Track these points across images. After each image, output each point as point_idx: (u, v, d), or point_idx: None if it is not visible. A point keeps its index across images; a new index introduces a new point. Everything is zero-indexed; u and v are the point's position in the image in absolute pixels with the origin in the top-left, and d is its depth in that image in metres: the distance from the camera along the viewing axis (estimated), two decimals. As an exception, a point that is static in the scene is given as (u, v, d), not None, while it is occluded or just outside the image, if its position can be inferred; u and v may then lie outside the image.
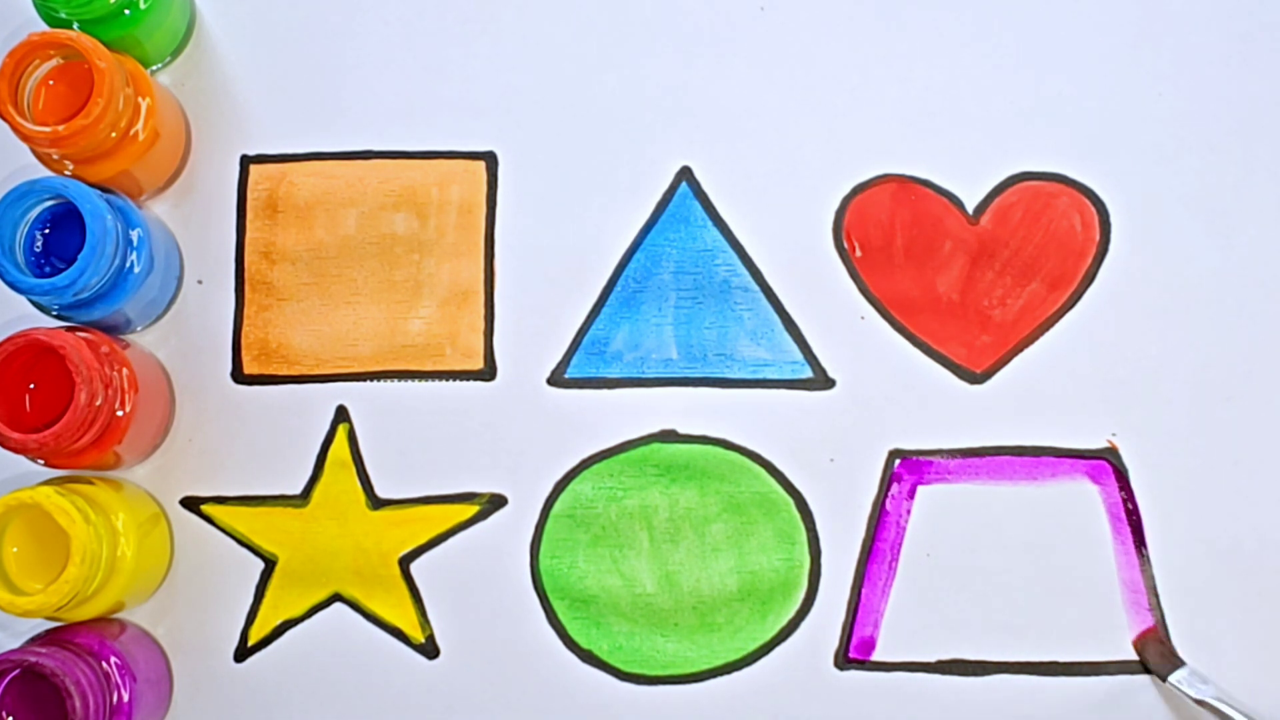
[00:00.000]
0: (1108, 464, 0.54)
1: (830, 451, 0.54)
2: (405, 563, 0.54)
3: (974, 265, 0.55)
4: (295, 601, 0.54)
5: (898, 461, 0.54)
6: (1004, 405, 0.54)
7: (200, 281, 0.56)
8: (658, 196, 0.56)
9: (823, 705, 0.53)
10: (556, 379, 0.55)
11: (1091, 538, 0.54)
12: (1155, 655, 0.52)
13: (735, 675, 0.54)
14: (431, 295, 0.56)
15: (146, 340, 0.56)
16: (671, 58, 0.57)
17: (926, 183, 0.55)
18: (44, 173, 0.51)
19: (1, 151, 0.54)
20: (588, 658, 0.54)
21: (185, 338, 0.56)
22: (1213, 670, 0.52)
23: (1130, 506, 0.54)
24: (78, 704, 0.47)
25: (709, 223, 0.56)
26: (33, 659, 0.47)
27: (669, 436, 0.55)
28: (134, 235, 0.51)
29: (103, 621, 0.53)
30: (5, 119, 0.49)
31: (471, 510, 0.54)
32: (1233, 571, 0.53)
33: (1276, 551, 0.53)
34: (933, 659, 0.53)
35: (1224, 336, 0.54)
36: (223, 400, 0.55)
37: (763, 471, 0.54)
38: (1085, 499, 0.54)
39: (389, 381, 0.55)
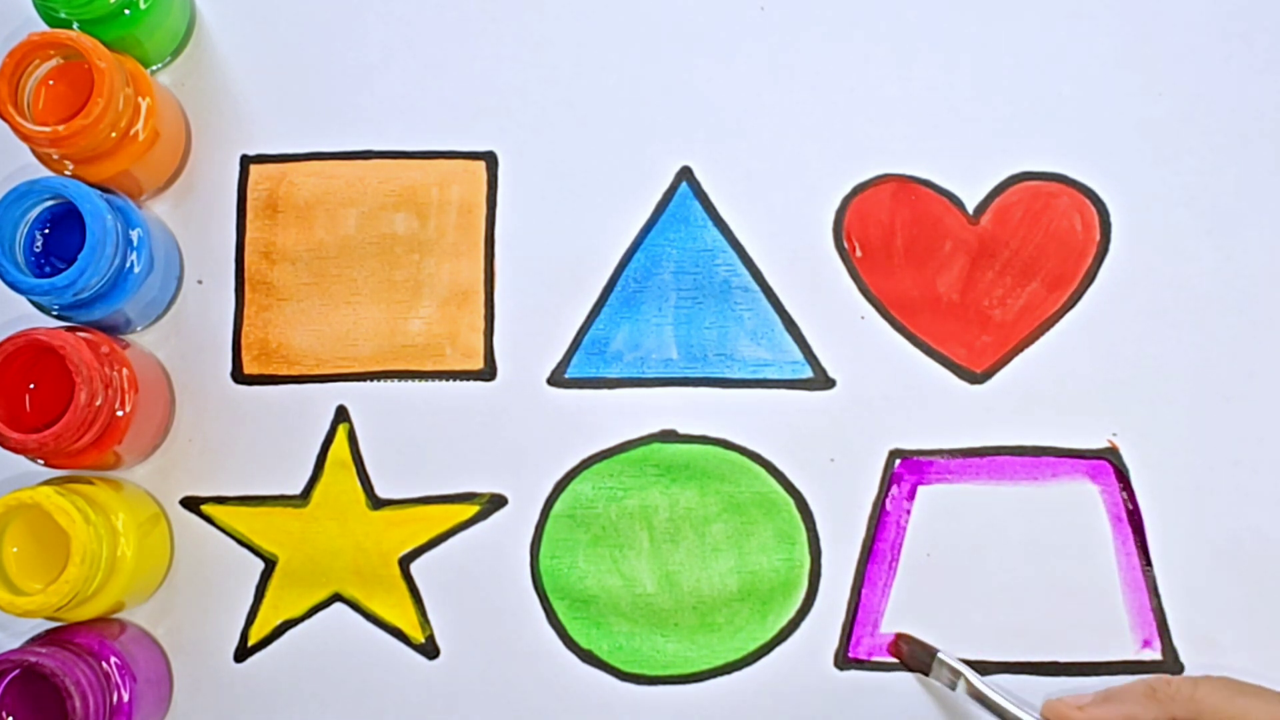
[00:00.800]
0: (1108, 464, 0.54)
1: (830, 451, 0.54)
2: (405, 563, 0.54)
3: (974, 265, 0.55)
4: (295, 601, 0.54)
5: (898, 461, 0.54)
6: (1004, 405, 0.54)
7: (200, 281, 0.56)
8: (658, 196, 0.56)
9: (823, 705, 0.53)
10: (556, 379, 0.55)
11: (1092, 538, 0.54)
12: (910, 653, 0.53)
13: (735, 675, 0.54)
14: (431, 295, 0.56)
15: (146, 340, 0.56)
16: (671, 58, 0.57)
17: (927, 183, 0.55)
18: (44, 173, 0.51)
19: (1, 151, 0.54)
20: (588, 658, 0.54)
21: (185, 338, 0.56)
22: (1213, 670, 0.52)
23: (1131, 506, 0.54)
24: (78, 704, 0.47)
25: (709, 223, 0.56)
26: (33, 659, 0.47)
27: (669, 436, 0.55)
28: (134, 235, 0.51)
29: (103, 621, 0.53)
30: (5, 119, 0.49)
31: (471, 510, 0.54)
32: (1233, 571, 0.53)
33: (1277, 551, 0.53)
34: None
35: (1224, 336, 0.54)
36: (223, 400, 0.55)
37: (763, 471, 0.54)
38: (1086, 499, 0.54)
39: (389, 381, 0.55)
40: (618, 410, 0.55)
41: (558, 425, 0.55)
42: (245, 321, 0.56)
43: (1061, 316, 0.55)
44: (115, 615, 0.54)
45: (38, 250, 0.51)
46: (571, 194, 0.56)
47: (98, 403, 0.48)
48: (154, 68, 0.56)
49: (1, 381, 0.49)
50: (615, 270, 0.56)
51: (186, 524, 0.55)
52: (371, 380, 0.55)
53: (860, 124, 0.56)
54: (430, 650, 0.54)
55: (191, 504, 0.55)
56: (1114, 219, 0.55)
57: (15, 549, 0.50)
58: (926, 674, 0.52)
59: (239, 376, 0.55)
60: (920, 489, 0.54)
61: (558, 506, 0.54)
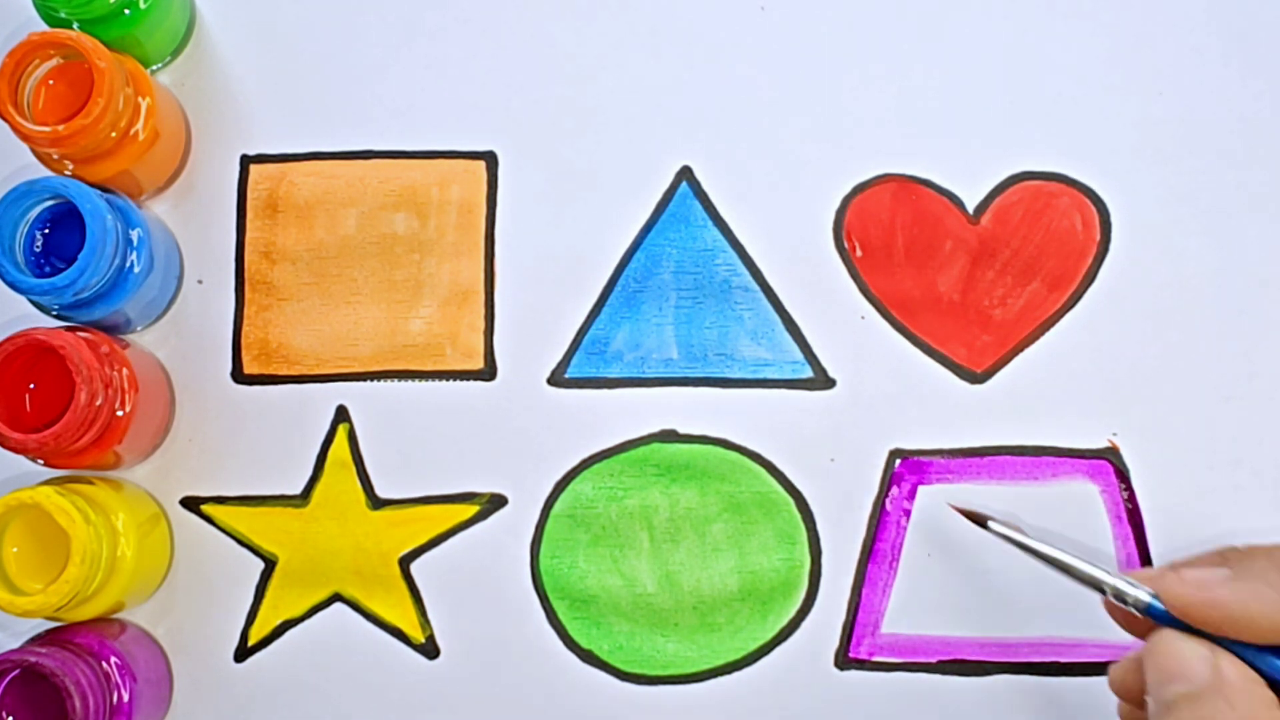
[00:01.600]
0: (1108, 464, 0.54)
1: (831, 451, 0.54)
2: (405, 563, 0.54)
3: (974, 265, 0.55)
4: (295, 601, 0.54)
5: (898, 461, 0.54)
6: (1005, 405, 0.54)
7: (200, 281, 0.56)
8: (658, 196, 0.56)
9: (823, 705, 0.53)
10: (557, 379, 0.55)
11: (1092, 538, 0.54)
12: (968, 514, 0.51)
13: (735, 675, 0.54)
14: (431, 295, 0.56)
15: (146, 340, 0.56)
16: (671, 58, 0.57)
17: (927, 182, 0.55)
18: (44, 173, 0.51)
19: (1, 151, 0.54)
20: (588, 658, 0.54)
21: (185, 338, 0.56)
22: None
23: (1131, 506, 0.54)
24: (78, 704, 0.47)
25: (709, 223, 0.56)
26: (33, 659, 0.47)
27: (669, 436, 0.55)
28: (134, 235, 0.51)
29: (103, 621, 0.53)
30: (5, 119, 0.49)
31: (471, 510, 0.54)
32: (1233, 571, 0.53)
33: (1277, 551, 0.53)
34: (933, 659, 0.53)
35: (1225, 336, 0.54)
36: (223, 400, 0.55)
37: (763, 471, 0.54)
38: (1086, 499, 0.54)
39: (389, 381, 0.55)
40: (618, 410, 0.55)
41: (558, 425, 0.55)
42: (245, 321, 0.56)
43: (1062, 316, 0.55)
44: (115, 615, 0.54)
45: (38, 250, 0.51)
46: (571, 194, 0.56)
47: (98, 403, 0.48)
48: (154, 68, 0.56)
49: (1, 381, 0.49)
50: (615, 270, 0.56)
51: (186, 524, 0.55)
52: (371, 380, 0.55)
53: (860, 124, 0.56)
54: (430, 650, 0.54)
55: (191, 504, 0.55)
56: (1114, 219, 0.55)
57: (15, 549, 0.50)
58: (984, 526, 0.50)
59: (239, 376, 0.55)
60: (920, 489, 0.54)
61: (558, 506, 0.54)
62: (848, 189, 0.56)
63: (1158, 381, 0.54)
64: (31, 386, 0.50)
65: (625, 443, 0.55)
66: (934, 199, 0.55)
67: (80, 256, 0.48)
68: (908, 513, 0.54)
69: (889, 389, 0.55)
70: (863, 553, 0.54)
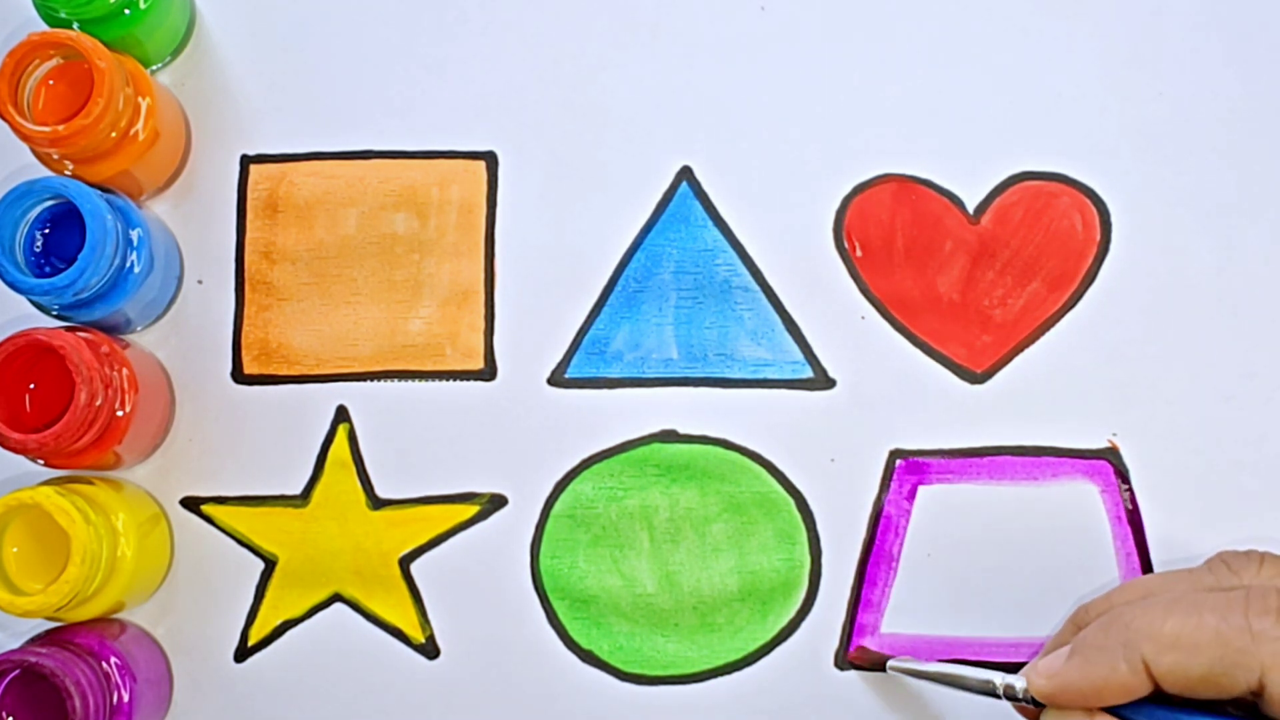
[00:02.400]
0: (1109, 464, 0.54)
1: (831, 451, 0.54)
2: (405, 563, 0.54)
3: (974, 265, 0.55)
4: (295, 601, 0.54)
5: (898, 462, 0.54)
6: (1005, 405, 0.54)
7: (200, 281, 0.56)
8: (658, 196, 0.56)
9: (823, 705, 0.53)
10: (557, 379, 0.55)
11: (1092, 538, 0.54)
12: (867, 662, 0.53)
13: (735, 675, 0.54)
14: (431, 295, 0.56)
15: (146, 340, 0.56)
16: (671, 58, 0.57)
17: (927, 182, 0.55)
18: (44, 173, 0.51)
19: (1, 151, 0.54)
20: (588, 658, 0.54)
21: (185, 338, 0.56)
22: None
23: (1131, 507, 0.54)
24: (78, 704, 0.47)
25: (709, 222, 0.56)
26: (33, 659, 0.47)
27: (669, 436, 0.55)
28: (134, 235, 0.51)
29: (103, 621, 0.53)
30: (5, 119, 0.49)
31: (471, 510, 0.54)
32: (1233, 571, 0.53)
33: (1278, 552, 0.53)
34: (933, 659, 0.53)
35: (1225, 336, 0.54)
36: (223, 400, 0.55)
37: (763, 471, 0.54)
38: (1086, 499, 0.54)
39: (389, 381, 0.55)
40: (618, 410, 0.55)
41: (558, 425, 0.55)
42: (245, 321, 0.56)
43: (1062, 316, 0.55)
44: (115, 615, 0.54)
45: (38, 250, 0.51)
46: (571, 194, 0.56)
47: (98, 403, 0.48)
48: (154, 68, 0.56)
49: (1, 381, 0.49)
50: (615, 270, 0.56)
51: (186, 524, 0.55)
52: (371, 380, 0.55)
53: (860, 124, 0.56)
54: (430, 650, 0.54)
55: (191, 504, 0.55)
56: (1115, 219, 0.55)
57: (15, 549, 0.50)
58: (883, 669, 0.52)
59: (239, 376, 0.55)
60: (920, 489, 0.54)
61: (558, 506, 0.54)
62: (848, 189, 0.56)
63: (1158, 381, 0.54)
64: (31, 386, 0.50)
65: (625, 443, 0.55)
66: (934, 199, 0.55)
67: (80, 256, 0.48)
68: (908, 513, 0.54)
69: (889, 389, 0.55)
70: (863, 553, 0.54)
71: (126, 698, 0.50)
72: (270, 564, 0.54)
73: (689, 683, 0.54)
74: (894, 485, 0.54)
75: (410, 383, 0.55)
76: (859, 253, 0.55)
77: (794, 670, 0.54)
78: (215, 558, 0.55)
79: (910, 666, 0.50)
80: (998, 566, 0.53)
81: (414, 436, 0.55)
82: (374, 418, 0.55)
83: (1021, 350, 0.55)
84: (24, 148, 0.51)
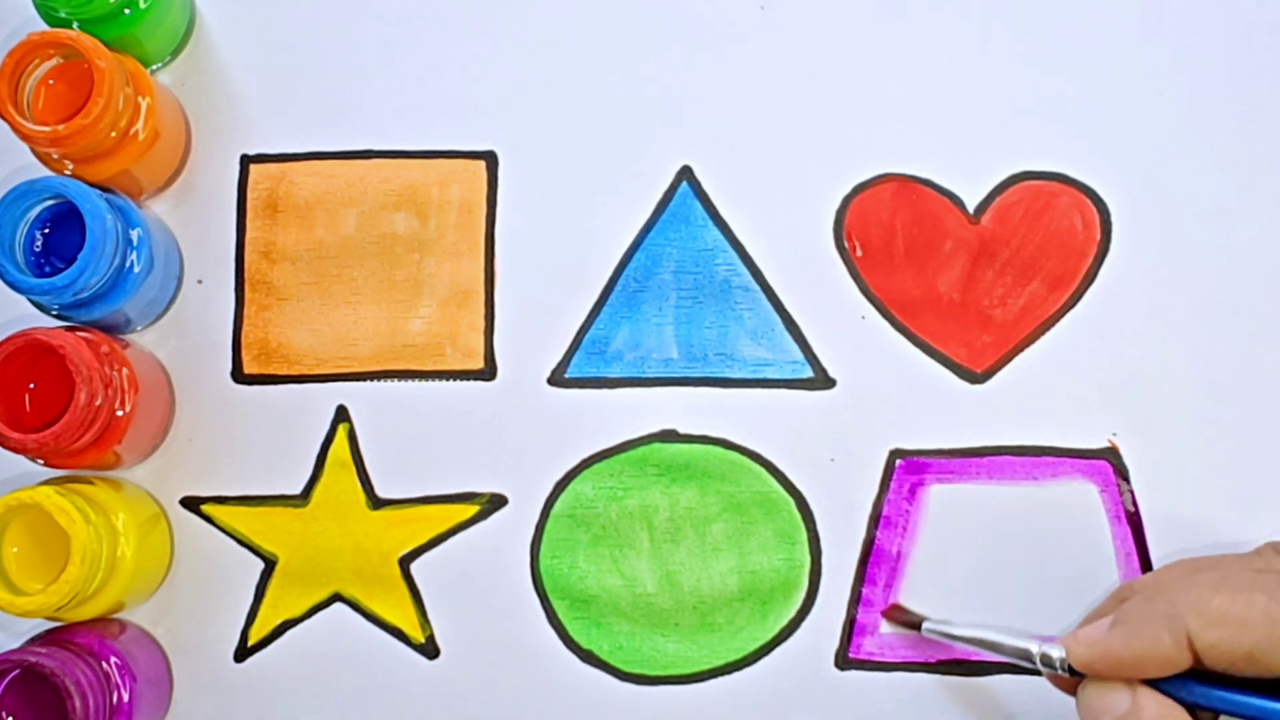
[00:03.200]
0: (1109, 464, 0.54)
1: (831, 451, 0.54)
2: (405, 563, 0.54)
3: (975, 265, 0.55)
4: (295, 601, 0.54)
5: (898, 461, 0.54)
6: (1005, 405, 0.54)
7: (200, 281, 0.56)
8: (658, 196, 0.56)
9: (823, 705, 0.53)
10: (557, 379, 0.55)
11: (1092, 538, 0.54)
12: (902, 621, 0.53)
13: (736, 675, 0.54)
14: (431, 295, 0.56)
15: (146, 340, 0.56)
16: (671, 58, 0.57)
17: (927, 182, 0.55)
18: (44, 172, 0.51)
19: (1, 151, 0.54)
20: (588, 658, 0.54)
21: (185, 338, 0.56)
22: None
23: (1131, 507, 0.54)
24: (78, 704, 0.47)
25: (709, 222, 0.56)
26: (33, 659, 0.47)
27: (669, 436, 0.55)
28: (134, 235, 0.51)
29: (103, 621, 0.53)
30: (5, 118, 0.49)
31: (471, 510, 0.54)
32: (1233, 571, 0.53)
33: None
34: (933, 659, 0.53)
35: (1225, 336, 0.54)
36: (223, 400, 0.55)
37: (763, 471, 0.54)
38: (1086, 499, 0.54)
39: (389, 381, 0.55)
40: (618, 410, 0.55)
41: (558, 425, 0.55)
42: (245, 321, 0.56)
43: (1062, 316, 0.55)
44: (115, 615, 0.54)
45: (37, 250, 0.51)
46: (571, 194, 0.56)
47: (98, 403, 0.48)
48: (154, 67, 0.56)
49: (1, 381, 0.49)
50: (615, 270, 0.56)
51: (186, 524, 0.55)
52: (371, 380, 0.55)
53: (860, 124, 0.56)
54: (430, 650, 0.54)
55: (191, 504, 0.55)
56: (1115, 218, 0.55)
57: (15, 549, 0.50)
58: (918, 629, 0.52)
59: (239, 376, 0.55)
60: (920, 489, 0.54)
61: (558, 506, 0.54)
62: (848, 189, 0.56)
63: (1158, 381, 0.54)
64: (31, 386, 0.50)
65: (625, 443, 0.55)
66: (934, 199, 0.55)
67: (80, 256, 0.48)
68: (908, 513, 0.54)
69: (889, 389, 0.55)
70: (863, 553, 0.54)
71: (126, 698, 0.50)
72: (270, 564, 0.54)
73: (689, 683, 0.54)
74: (894, 485, 0.54)
75: (410, 383, 0.55)
76: (859, 252, 0.55)
77: (794, 670, 0.54)
78: (215, 558, 0.55)
79: (945, 630, 0.50)
80: (998, 566, 0.53)
81: (414, 436, 0.55)
82: (374, 418, 0.55)
83: (1021, 350, 0.55)
84: (24, 147, 0.51)
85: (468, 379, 0.55)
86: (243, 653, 0.54)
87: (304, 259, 0.56)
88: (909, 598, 0.54)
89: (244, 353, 0.55)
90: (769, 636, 0.54)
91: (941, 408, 0.54)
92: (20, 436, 0.48)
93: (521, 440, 0.55)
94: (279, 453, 0.55)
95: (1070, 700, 0.53)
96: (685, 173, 0.56)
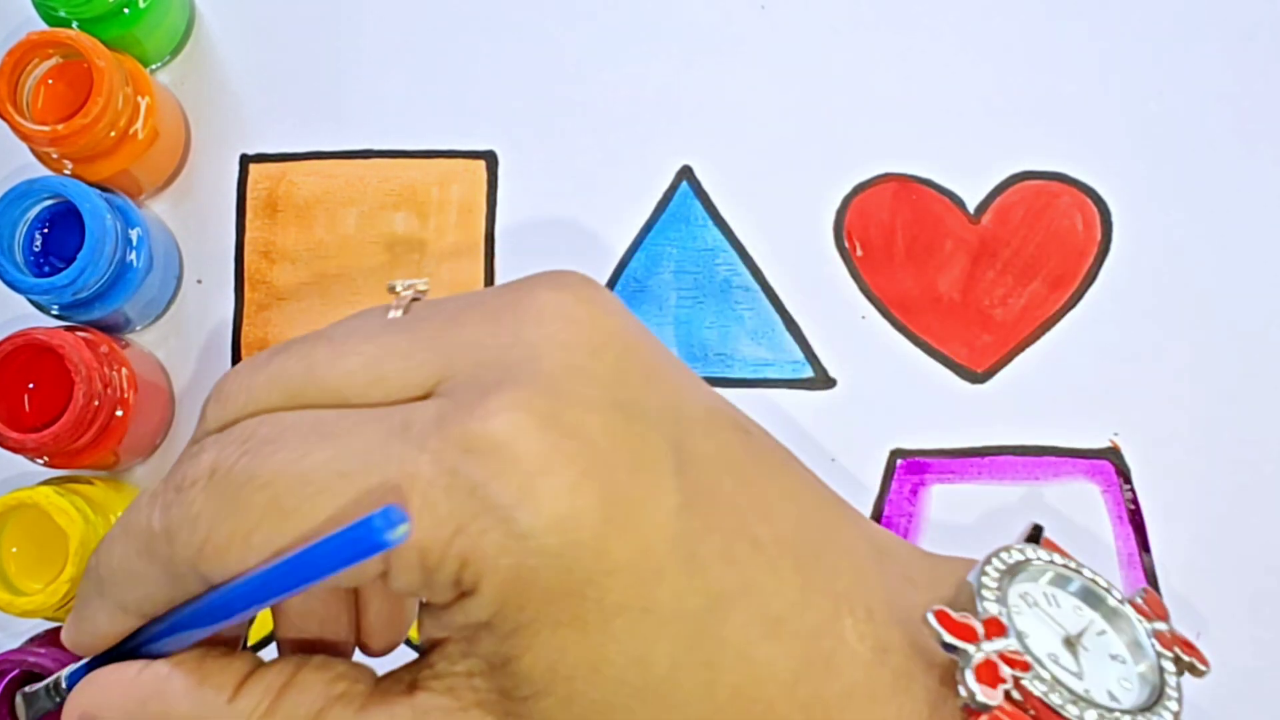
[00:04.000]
0: (1110, 464, 0.54)
1: (831, 451, 0.54)
2: (405, 563, 0.54)
3: (975, 264, 0.55)
4: (295, 602, 0.54)
5: (899, 461, 0.54)
6: (1005, 405, 0.54)
7: (200, 281, 0.56)
8: (658, 196, 0.56)
9: (824, 706, 0.53)
10: (557, 379, 0.55)
11: (1093, 538, 0.53)
12: None
13: (736, 676, 0.54)
14: (431, 295, 0.55)
15: (146, 340, 0.55)
16: (671, 58, 0.56)
17: (927, 182, 0.55)
18: (43, 172, 0.51)
19: (1, 151, 0.54)
20: (588, 658, 0.54)
21: (185, 337, 0.56)
22: (1215, 669, 0.52)
23: (1133, 507, 0.54)
24: (77, 704, 0.47)
25: (709, 222, 0.56)
26: (32, 659, 0.47)
27: (669, 436, 0.54)
28: (133, 235, 0.51)
29: (102, 622, 0.52)
30: (4, 118, 0.49)
31: (472, 510, 0.54)
32: (1234, 572, 0.53)
33: (1279, 552, 0.53)
34: (934, 659, 0.53)
35: (1227, 336, 0.54)
36: (222, 400, 0.55)
37: (763, 471, 0.54)
38: (1087, 499, 0.54)
39: (389, 381, 0.55)
40: (618, 410, 0.55)
41: (558, 425, 0.55)
42: (245, 321, 0.56)
43: (1063, 316, 0.55)
44: (114, 616, 0.53)
45: (37, 250, 0.51)
46: (571, 194, 0.56)
47: (97, 403, 0.48)
48: (153, 67, 0.56)
49: (1, 381, 0.49)
50: (615, 270, 0.55)
51: (186, 524, 0.55)
52: (371, 380, 0.55)
53: (860, 124, 0.56)
54: (430, 651, 0.54)
55: (191, 504, 0.55)
56: (1115, 218, 0.55)
57: (15, 549, 0.50)
58: None
59: (239, 376, 0.55)
60: (921, 489, 0.54)
61: (558, 506, 0.54)
62: (848, 189, 0.56)
63: (1159, 381, 0.54)
64: (31, 386, 0.50)
65: (625, 443, 0.54)
66: (934, 198, 0.55)
67: (80, 256, 0.48)
68: (909, 513, 0.54)
69: (889, 389, 0.54)
70: (863, 553, 0.54)
71: (126, 698, 0.50)
72: (270, 564, 0.54)
73: (689, 683, 0.54)
74: (895, 485, 0.54)
75: (410, 383, 0.55)
76: (859, 252, 0.55)
77: (794, 670, 0.53)
78: (215, 558, 0.54)
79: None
80: (998, 566, 0.53)
81: (414, 436, 0.55)
82: (374, 418, 0.55)
83: (1022, 350, 0.55)
84: (23, 147, 0.51)
85: (468, 379, 0.55)
86: (242, 653, 0.54)
87: (304, 259, 0.56)
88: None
89: (244, 353, 0.55)
90: (769, 637, 0.54)
91: (942, 408, 0.54)
92: (19, 436, 0.48)
93: (521, 440, 0.54)
94: (279, 453, 0.55)
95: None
96: (685, 173, 0.56)
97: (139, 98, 0.51)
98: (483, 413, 0.27)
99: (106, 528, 0.49)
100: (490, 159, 0.56)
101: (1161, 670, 0.33)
